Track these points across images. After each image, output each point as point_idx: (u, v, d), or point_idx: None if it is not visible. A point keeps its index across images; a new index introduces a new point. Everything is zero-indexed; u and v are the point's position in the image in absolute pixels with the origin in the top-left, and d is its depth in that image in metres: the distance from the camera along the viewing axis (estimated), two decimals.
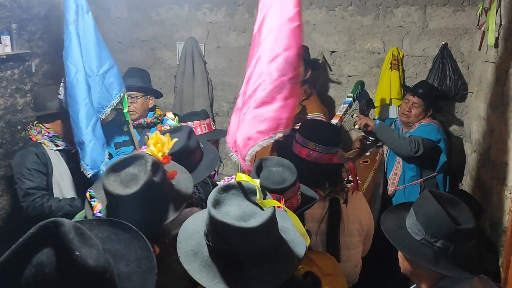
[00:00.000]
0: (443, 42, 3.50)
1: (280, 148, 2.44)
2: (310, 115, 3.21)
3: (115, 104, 2.79)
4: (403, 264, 1.61)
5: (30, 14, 3.54)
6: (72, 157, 2.79)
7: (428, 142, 3.05)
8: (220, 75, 4.30)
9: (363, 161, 3.30)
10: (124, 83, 2.86)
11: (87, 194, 1.56)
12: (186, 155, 1.89)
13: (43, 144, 2.73)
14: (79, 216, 1.80)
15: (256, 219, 1.10)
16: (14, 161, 2.73)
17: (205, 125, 2.79)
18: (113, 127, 3.08)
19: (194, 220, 1.30)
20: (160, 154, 1.50)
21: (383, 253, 2.14)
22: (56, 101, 2.72)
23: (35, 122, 2.80)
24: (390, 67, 3.60)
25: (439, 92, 3.41)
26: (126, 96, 2.87)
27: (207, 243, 1.17)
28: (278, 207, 1.21)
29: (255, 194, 1.17)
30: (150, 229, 1.34)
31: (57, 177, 2.73)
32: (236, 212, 1.13)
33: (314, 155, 2.02)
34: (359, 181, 2.87)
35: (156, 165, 1.43)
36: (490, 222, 2.42)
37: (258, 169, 1.65)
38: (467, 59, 3.50)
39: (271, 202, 1.16)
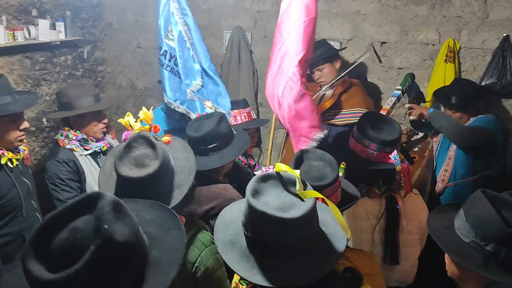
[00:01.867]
0: (504, 34, 3.27)
1: (334, 141, 2.41)
2: (348, 111, 3.05)
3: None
4: (450, 267, 1.52)
5: (83, 1, 3.64)
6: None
7: (487, 132, 2.83)
8: (266, 65, 4.20)
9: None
10: None
11: None
12: (214, 137, 2.02)
13: (72, 151, 2.60)
14: None
15: (297, 210, 1.06)
16: (46, 171, 2.60)
17: (245, 114, 2.80)
18: (162, 115, 3.14)
19: (232, 209, 1.28)
20: (148, 127, 1.61)
21: (430, 256, 2.05)
22: (84, 98, 2.62)
23: (62, 125, 2.70)
24: (445, 60, 3.40)
25: (478, 93, 3.07)
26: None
27: (245, 233, 1.14)
28: (318, 199, 1.15)
29: (295, 184, 1.13)
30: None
31: (91, 183, 2.62)
32: (275, 203, 1.09)
33: (367, 153, 1.96)
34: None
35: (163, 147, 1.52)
36: None
37: (298, 161, 1.59)
38: None
39: (312, 193, 1.11)
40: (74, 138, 2.62)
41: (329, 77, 3.14)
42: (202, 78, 2.82)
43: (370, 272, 1.52)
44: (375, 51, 3.58)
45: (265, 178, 1.16)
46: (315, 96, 3.04)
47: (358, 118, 3.04)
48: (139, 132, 1.56)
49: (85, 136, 2.66)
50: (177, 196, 1.47)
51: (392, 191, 1.95)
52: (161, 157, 1.45)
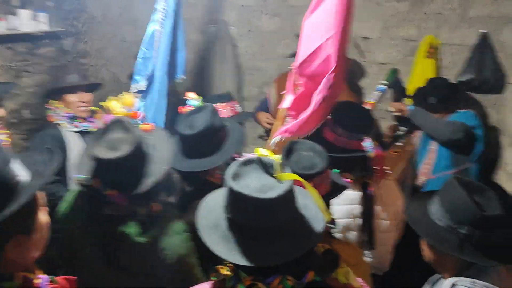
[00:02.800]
0: (483, 31, 3.35)
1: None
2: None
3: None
4: (427, 252, 1.56)
5: None
6: None
7: (467, 127, 2.91)
8: (251, 60, 4.27)
9: (394, 151, 3.22)
10: None
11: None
12: (210, 133, 1.89)
13: (60, 125, 2.62)
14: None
15: (275, 191, 1.09)
16: (31, 143, 2.64)
17: (229, 108, 2.77)
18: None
19: (216, 196, 1.29)
20: (127, 111, 1.67)
21: (407, 244, 2.10)
22: (69, 76, 2.67)
23: (51, 101, 2.70)
24: (427, 56, 3.47)
25: (454, 90, 3.17)
26: None
27: (226, 216, 1.16)
28: (298, 183, 1.18)
29: (274, 168, 1.16)
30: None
31: (74, 160, 2.53)
32: (255, 185, 1.11)
33: (340, 141, 1.99)
34: (388, 171, 2.81)
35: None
36: None
37: (288, 152, 1.62)
38: (508, 49, 3.33)
39: (290, 175, 1.14)
40: (63, 114, 2.64)
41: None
42: (148, 84, 2.69)
43: (356, 262, 1.56)
44: (357, 47, 3.63)
45: (246, 162, 1.18)
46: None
47: None
48: (117, 117, 1.60)
49: (76, 115, 2.67)
50: (146, 183, 1.49)
51: (366, 177, 1.99)
52: (134, 142, 1.49)
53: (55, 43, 3.57)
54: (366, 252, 2.04)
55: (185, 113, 2.04)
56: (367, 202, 1.99)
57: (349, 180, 1.97)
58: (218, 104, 2.71)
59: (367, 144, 2.02)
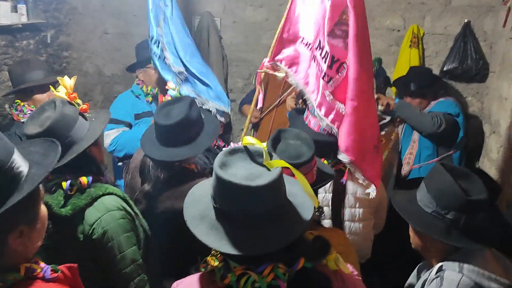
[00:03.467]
0: (466, 20, 3.39)
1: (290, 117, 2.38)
2: None
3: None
4: (414, 239, 1.58)
5: None
6: None
7: (449, 116, 2.99)
8: (236, 51, 4.25)
9: None
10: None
11: None
12: (187, 125, 1.89)
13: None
14: None
15: (263, 179, 1.08)
16: None
17: None
18: (132, 98, 3.08)
19: (201, 186, 1.28)
20: (66, 95, 1.74)
21: (394, 233, 2.11)
22: (36, 72, 2.59)
23: (16, 100, 2.62)
24: (410, 45, 3.51)
25: (434, 78, 3.27)
26: None
27: (214, 206, 1.15)
28: (286, 171, 1.18)
29: (262, 156, 1.15)
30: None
31: None
32: (243, 173, 1.11)
33: (320, 126, 2.00)
34: None
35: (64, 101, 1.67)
36: (506, 202, 2.36)
37: (275, 141, 1.61)
38: (490, 37, 3.38)
39: (278, 162, 1.14)
40: (29, 112, 2.53)
41: None
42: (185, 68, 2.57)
43: (344, 250, 1.55)
44: None
45: (233, 152, 1.17)
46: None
47: None
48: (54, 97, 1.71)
49: None
50: (62, 157, 1.51)
51: (341, 164, 1.97)
52: (54, 119, 1.59)
53: (35, 35, 3.49)
54: None
55: (164, 103, 2.07)
56: (338, 190, 1.98)
57: None
58: None
59: None
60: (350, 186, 1.99)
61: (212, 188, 1.14)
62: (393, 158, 3.19)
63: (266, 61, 2.24)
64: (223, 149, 1.20)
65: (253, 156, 1.17)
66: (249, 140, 1.19)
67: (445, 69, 3.46)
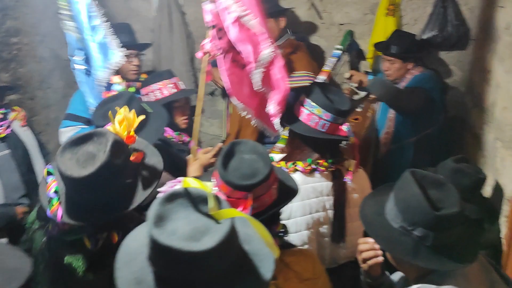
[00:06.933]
0: None
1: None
2: (297, 74, 2.91)
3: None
4: (387, 255, 1.43)
5: None
6: (15, 141, 2.45)
7: (425, 93, 2.80)
8: (202, 27, 3.89)
9: (352, 119, 3.00)
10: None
11: (45, 171, 1.43)
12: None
13: None
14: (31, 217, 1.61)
15: (211, 236, 0.87)
16: None
17: (171, 84, 2.56)
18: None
19: (137, 235, 1.04)
20: (125, 133, 1.38)
21: None
22: None
23: None
24: (386, 13, 3.26)
25: (417, 44, 3.06)
26: None
27: (151, 269, 0.94)
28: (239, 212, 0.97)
29: (207, 203, 0.94)
30: (108, 215, 1.30)
31: None
32: (184, 229, 0.89)
33: (319, 123, 1.82)
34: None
35: (118, 145, 1.31)
36: (492, 187, 2.21)
37: (227, 156, 1.37)
38: (471, 2, 3.15)
39: (228, 212, 0.92)
40: None
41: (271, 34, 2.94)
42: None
43: (312, 276, 1.39)
44: (314, 7, 3.36)
45: (171, 198, 0.95)
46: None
47: (304, 82, 2.92)
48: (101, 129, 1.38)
49: None
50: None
51: (339, 164, 1.86)
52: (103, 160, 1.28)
53: None
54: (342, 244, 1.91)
55: (102, 101, 1.96)
56: (340, 192, 1.86)
57: (321, 169, 1.83)
58: (158, 83, 2.55)
59: (347, 128, 1.86)
60: (349, 186, 1.90)
61: (149, 247, 0.93)
62: (370, 137, 3.01)
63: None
64: (158, 195, 0.98)
65: (197, 202, 0.95)
66: (191, 182, 0.97)
67: (424, 37, 3.24)
